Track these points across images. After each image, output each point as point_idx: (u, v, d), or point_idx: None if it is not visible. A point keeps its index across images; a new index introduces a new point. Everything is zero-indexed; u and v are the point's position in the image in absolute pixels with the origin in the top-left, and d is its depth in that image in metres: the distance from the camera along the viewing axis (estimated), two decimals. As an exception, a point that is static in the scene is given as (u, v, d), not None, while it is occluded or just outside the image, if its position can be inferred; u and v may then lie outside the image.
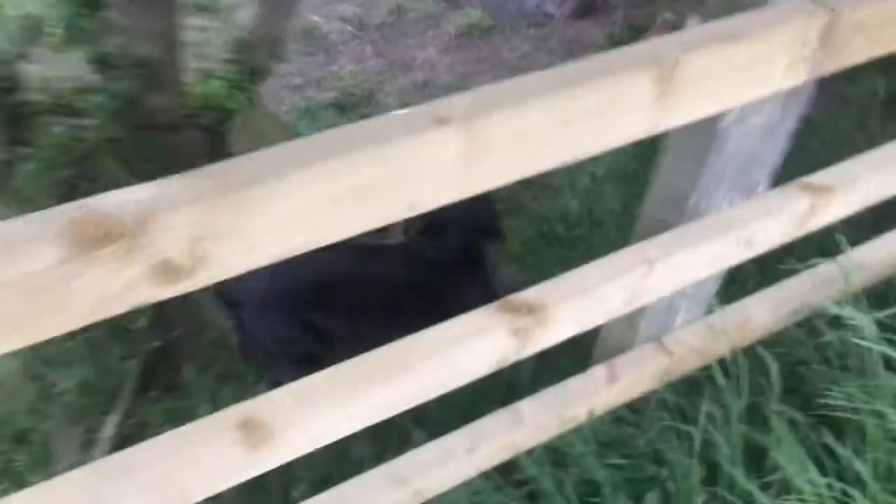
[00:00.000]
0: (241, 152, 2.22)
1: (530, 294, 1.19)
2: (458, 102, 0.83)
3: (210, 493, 1.01)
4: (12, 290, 0.65)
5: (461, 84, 3.44)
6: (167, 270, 0.73)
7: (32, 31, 3.17)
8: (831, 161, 1.40)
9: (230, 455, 0.99)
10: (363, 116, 3.33)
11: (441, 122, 0.81)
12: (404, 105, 2.59)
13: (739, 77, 1.03)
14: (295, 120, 3.13)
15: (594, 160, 2.99)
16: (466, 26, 3.74)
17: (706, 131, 1.24)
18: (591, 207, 2.67)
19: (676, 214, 1.34)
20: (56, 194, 1.92)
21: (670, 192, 1.33)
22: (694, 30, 1.00)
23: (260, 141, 2.41)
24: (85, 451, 1.69)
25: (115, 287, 0.71)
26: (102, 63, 2.02)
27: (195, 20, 3.49)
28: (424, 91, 3.44)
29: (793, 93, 1.23)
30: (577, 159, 0.94)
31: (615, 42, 3.36)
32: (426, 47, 3.68)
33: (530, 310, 1.18)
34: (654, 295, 1.31)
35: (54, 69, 2.90)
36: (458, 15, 3.85)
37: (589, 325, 1.28)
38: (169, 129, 2.21)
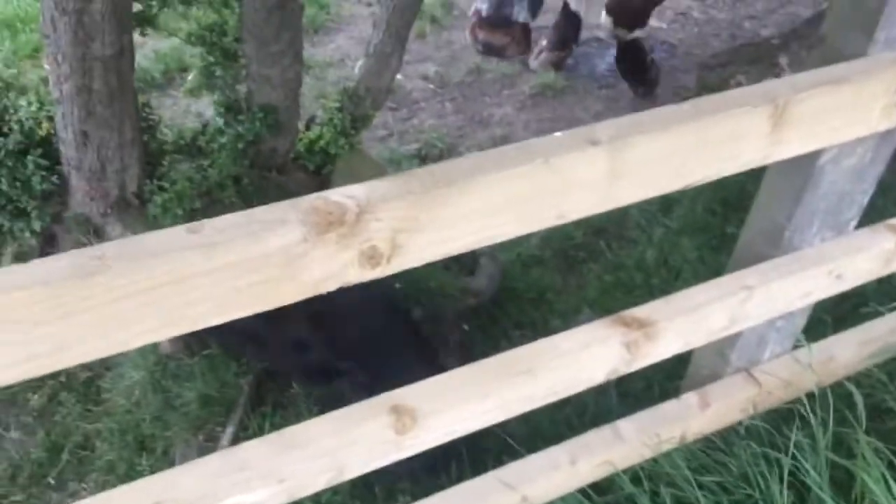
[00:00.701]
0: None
1: (641, 310, 1.31)
2: (606, 127, 0.98)
3: (362, 472, 1.13)
4: (261, 261, 0.80)
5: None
6: (372, 256, 0.87)
7: (170, 74, 3.47)
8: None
9: (381, 438, 1.12)
10: (445, 167, 3.52)
11: (593, 143, 0.96)
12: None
13: (841, 117, 1.16)
14: (383, 163, 3.33)
15: (667, 213, 3.12)
16: (541, 86, 3.93)
17: (803, 170, 1.36)
18: (668, 257, 2.78)
19: (772, 247, 1.45)
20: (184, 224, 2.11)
21: (767, 227, 1.45)
22: (803, 74, 1.13)
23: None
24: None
25: (334, 267, 0.85)
26: (229, 108, 2.23)
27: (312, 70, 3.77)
28: (502, 146, 3.61)
29: (883, 139, 1.36)
30: (703, 181, 1.08)
31: (688, 102, 3.49)
32: (503, 105, 3.87)
33: (641, 325, 1.30)
34: (752, 320, 1.42)
35: (188, 111, 3.17)
36: (533, 76, 4.05)
37: (692, 343, 1.39)
38: (280, 170, 2.41)
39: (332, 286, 0.87)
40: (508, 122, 3.78)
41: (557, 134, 1.00)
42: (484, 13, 2.90)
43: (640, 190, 1.04)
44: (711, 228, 2.85)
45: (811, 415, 1.61)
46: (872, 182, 1.44)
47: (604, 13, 3.52)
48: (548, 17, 4.05)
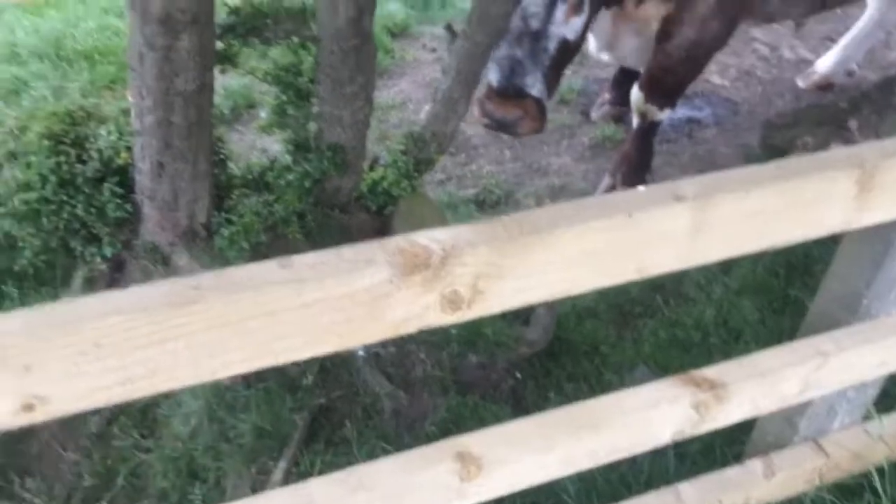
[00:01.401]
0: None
1: (712, 371, 1.28)
2: (691, 184, 0.97)
3: (422, 517, 1.12)
4: (348, 300, 0.81)
5: (595, 191, 3.60)
6: (453, 300, 0.88)
7: (238, 111, 3.57)
8: None
9: (445, 483, 1.10)
10: (503, 214, 3.52)
11: (678, 198, 0.95)
12: (540, 205, 2.74)
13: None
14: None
15: (727, 272, 3.07)
16: (601, 138, 3.94)
17: (884, 237, 1.33)
18: (727, 318, 2.72)
19: (849, 314, 1.41)
20: (249, 259, 2.15)
21: (844, 292, 1.41)
22: (892, 140, 1.11)
23: (420, 226, 2.62)
24: (255, 492, 1.83)
25: (416, 309, 0.86)
26: (299, 145, 2.28)
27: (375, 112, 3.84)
28: (560, 195, 3.62)
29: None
30: (785, 244, 1.06)
31: (753, 162, 3.45)
32: (562, 155, 3.88)
33: (711, 385, 1.26)
34: (825, 388, 1.37)
35: (254, 147, 3.25)
36: (593, 127, 4.05)
37: (762, 408, 1.35)
38: (343, 209, 2.44)
39: (412, 328, 0.88)
40: (567, 172, 3.79)
41: (641, 188, 0.99)
42: (495, 84, 2.53)
43: (722, 248, 1.02)
44: (773, 290, 2.79)
45: (881, 490, 1.54)
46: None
47: (635, 87, 3.32)
48: (610, 69, 4.08)
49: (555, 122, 4.10)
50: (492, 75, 2.55)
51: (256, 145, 3.35)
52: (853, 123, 2.88)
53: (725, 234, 1.01)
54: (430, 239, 0.85)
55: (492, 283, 0.89)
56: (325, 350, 0.84)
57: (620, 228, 0.93)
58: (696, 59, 3.10)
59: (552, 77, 2.67)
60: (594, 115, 4.15)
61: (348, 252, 0.82)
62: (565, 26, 2.56)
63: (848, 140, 2.88)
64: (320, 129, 2.25)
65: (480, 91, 2.61)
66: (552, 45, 2.56)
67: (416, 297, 0.85)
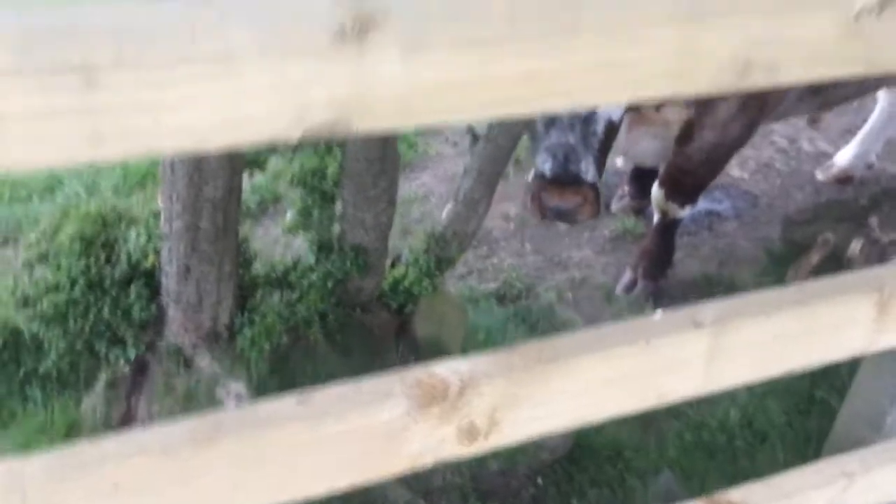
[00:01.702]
0: (425, 334, 2.44)
1: (735, 494, 1.26)
2: (710, 309, 0.98)
3: None
4: (366, 433, 0.81)
5: (616, 285, 3.60)
6: (470, 431, 0.88)
7: (265, 205, 3.65)
8: None
9: None
10: (523, 308, 3.56)
11: (696, 325, 0.96)
12: (560, 299, 2.74)
13: (950, 306, 1.13)
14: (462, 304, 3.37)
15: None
16: (621, 230, 3.96)
17: (907, 355, 1.32)
18: (752, 420, 2.67)
19: (873, 431, 1.38)
20: (270, 360, 2.17)
21: (868, 410, 1.39)
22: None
23: (441, 324, 2.63)
24: None
25: (432, 442, 0.86)
26: (322, 246, 2.32)
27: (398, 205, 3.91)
28: (581, 289, 3.62)
29: None
30: (806, 367, 1.05)
31: (775, 258, 3.46)
32: (582, 248, 3.90)
33: (736, 508, 1.24)
34: (854, 509, 1.34)
35: (278, 241, 3.31)
36: (613, 220, 4.08)
37: (790, 531, 1.31)
38: (364, 308, 2.46)
39: (428, 461, 0.87)
40: (587, 265, 3.80)
41: (658, 313, 1.00)
42: (549, 173, 2.42)
43: (742, 373, 1.02)
44: (799, 392, 2.74)
45: None
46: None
47: (655, 185, 3.33)
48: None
49: (575, 216, 4.16)
50: (544, 164, 2.47)
51: (281, 240, 3.41)
52: (874, 220, 2.88)
53: (745, 360, 1.01)
54: (450, 370, 0.85)
55: (509, 413, 0.89)
56: (341, 485, 0.84)
57: (639, 355, 0.94)
58: (717, 161, 3.13)
59: (601, 160, 2.62)
60: (614, 207, 4.19)
61: (367, 385, 0.83)
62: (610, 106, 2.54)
63: (869, 237, 2.87)
64: (343, 230, 2.29)
65: (532, 185, 2.55)
66: (600, 128, 2.53)
67: (433, 430, 0.85)
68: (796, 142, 4.79)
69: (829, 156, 4.50)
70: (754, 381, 1.03)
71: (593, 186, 2.57)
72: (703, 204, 4.34)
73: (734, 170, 4.61)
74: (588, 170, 2.51)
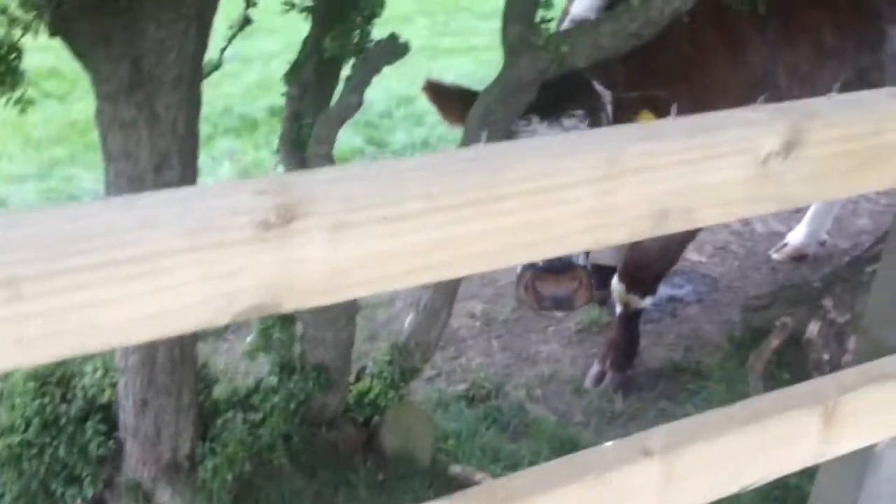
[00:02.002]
0: (392, 446, 2.41)
1: None
2: (659, 435, 0.99)
3: None
4: None
5: (585, 378, 3.60)
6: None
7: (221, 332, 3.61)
8: None
9: None
10: (493, 408, 3.53)
11: (646, 453, 0.96)
12: (530, 397, 2.73)
13: (892, 411, 1.15)
14: (429, 411, 3.33)
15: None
16: (587, 322, 3.98)
17: (861, 456, 1.33)
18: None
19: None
20: (233, 489, 2.11)
21: (836, 496, 1.39)
22: (850, 371, 1.14)
23: (409, 434, 2.60)
24: None
25: None
26: (283, 367, 2.31)
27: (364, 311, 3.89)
28: (550, 384, 3.61)
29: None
30: (760, 483, 1.06)
31: (736, 343, 3.50)
32: (549, 342, 3.91)
33: None
34: None
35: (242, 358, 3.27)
36: (578, 312, 4.10)
37: None
38: (329, 425, 2.43)
39: None
40: (556, 359, 3.80)
41: (609, 444, 1.01)
42: (541, 262, 2.36)
43: (695, 496, 1.02)
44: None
45: None
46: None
47: (615, 279, 3.39)
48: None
49: (540, 309, 4.19)
50: None
51: (245, 358, 3.38)
52: (828, 302, 2.94)
53: (697, 483, 1.01)
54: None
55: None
56: None
57: (592, 489, 0.94)
58: (672, 253, 3.22)
59: None
60: (578, 300, 4.23)
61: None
62: None
63: (825, 318, 2.93)
64: (304, 350, 2.28)
65: (524, 277, 2.52)
66: None
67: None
68: (750, 223, 4.91)
69: (782, 235, 4.62)
70: (707, 501, 1.03)
71: (585, 269, 2.57)
72: (664, 290, 4.41)
73: (692, 254, 4.71)
74: (578, 254, 2.48)
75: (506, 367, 3.75)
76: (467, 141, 2.10)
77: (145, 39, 1.40)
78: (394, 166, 0.66)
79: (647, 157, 0.77)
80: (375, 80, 1.94)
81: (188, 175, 1.65)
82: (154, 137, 1.53)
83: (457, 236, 0.69)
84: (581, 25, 1.85)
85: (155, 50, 1.41)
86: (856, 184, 0.90)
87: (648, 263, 3.12)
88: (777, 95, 2.90)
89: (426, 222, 0.67)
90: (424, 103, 7.22)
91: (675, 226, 0.82)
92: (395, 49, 1.78)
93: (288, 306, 0.65)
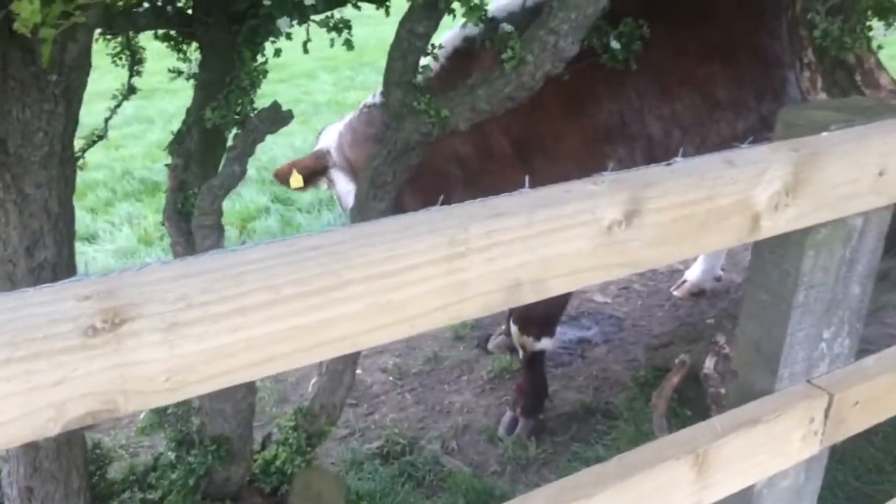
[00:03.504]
0: (301, 514, 2.31)
1: None
2: (538, 498, 1.00)
3: None
4: None
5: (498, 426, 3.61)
6: None
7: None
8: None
9: None
10: (408, 464, 3.49)
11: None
12: (445, 450, 2.72)
13: (763, 454, 1.20)
14: (343, 471, 3.27)
15: None
16: (499, 370, 4.02)
17: (742, 495, 1.38)
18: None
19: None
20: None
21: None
22: (722, 417, 1.19)
23: (319, 500, 2.54)
24: None
25: None
26: (181, 442, 2.23)
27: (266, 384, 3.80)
28: (465, 435, 3.60)
29: (815, 458, 1.39)
30: (635, 542, 1.08)
31: (641, 383, 3.59)
32: (462, 392, 3.92)
33: None
34: None
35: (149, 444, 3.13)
36: (490, 359, 4.15)
37: None
38: (234, 497, 2.35)
39: None
40: (469, 409, 3.81)
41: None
42: None
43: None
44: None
45: None
46: (812, 499, 1.45)
47: (511, 321, 3.50)
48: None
49: (452, 359, 4.19)
50: None
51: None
52: (721, 337, 3.05)
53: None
54: None
55: None
56: None
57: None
58: (558, 296, 3.30)
59: None
60: (491, 345, 4.27)
61: None
62: None
63: (720, 353, 3.03)
64: (203, 423, 2.22)
65: None
66: None
67: None
68: (651, 261, 5.08)
69: (681, 273, 4.80)
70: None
71: None
72: (573, 332, 4.51)
73: (597, 296, 4.83)
74: None
75: (420, 420, 3.73)
76: (359, 205, 2.12)
77: (9, 121, 1.36)
78: (232, 259, 0.66)
79: (492, 234, 0.79)
80: (280, 137, 1.95)
81: (63, 254, 1.60)
82: (24, 218, 1.49)
83: (303, 325, 0.70)
84: (459, 90, 1.90)
85: (20, 131, 1.38)
86: (696, 245, 0.95)
87: (535, 305, 3.19)
88: (648, 146, 3.03)
89: (269, 315, 0.67)
90: (331, 159, 7.09)
91: (529, 297, 0.84)
92: (277, 117, 1.78)
93: (126, 410, 0.64)
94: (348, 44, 1.89)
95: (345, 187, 3.45)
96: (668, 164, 0.94)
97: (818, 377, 1.25)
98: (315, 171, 3.44)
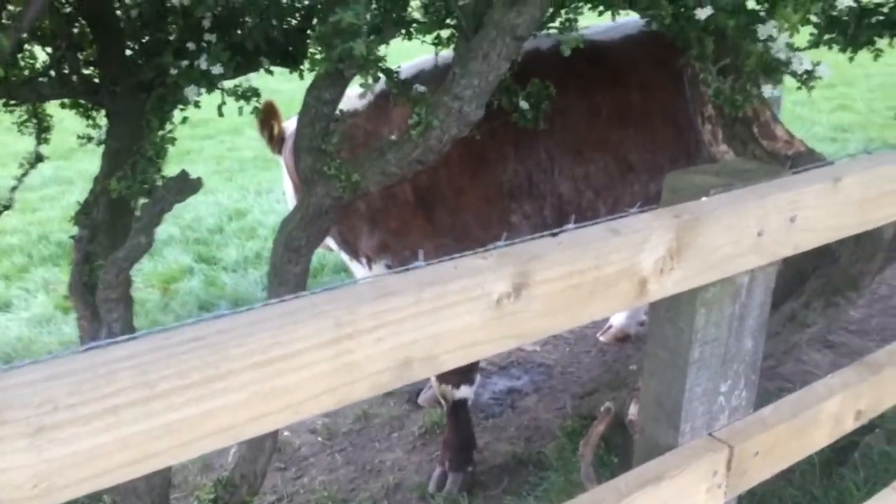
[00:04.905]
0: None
1: None
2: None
3: None
4: None
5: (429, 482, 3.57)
6: None
7: None
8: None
9: None
10: (339, 529, 3.41)
11: None
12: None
13: (668, 510, 1.22)
14: (269, 542, 3.18)
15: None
16: (430, 424, 3.99)
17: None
18: None
19: None
20: None
21: None
22: (628, 476, 1.21)
23: (241, 576, 2.45)
24: None
25: None
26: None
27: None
28: (396, 494, 3.55)
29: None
30: None
31: (569, 432, 3.61)
32: (393, 449, 3.87)
33: None
34: None
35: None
36: (421, 414, 4.12)
37: None
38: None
39: None
40: (400, 467, 3.76)
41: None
42: None
43: None
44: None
45: None
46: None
47: None
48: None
49: (382, 416, 4.14)
50: None
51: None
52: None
53: None
54: None
55: None
56: None
57: None
58: None
59: None
60: (421, 399, 4.24)
61: None
62: None
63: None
64: (115, 500, 2.13)
65: None
66: None
67: None
68: (578, 308, 5.17)
69: (607, 318, 4.89)
70: None
71: None
72: (503, 382, 4.52)
73: (527, 345, 4.88)
74: None
75: (350, 481, 3.66)
76: (274, 270, 2.10)
77: None
78: (104, 356, 0.65)
79: (380, 315, 0.80)
80: (206, 195, 1.93)
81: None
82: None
83: (183, 419, 0.68)
84: (370, 154, 1.93)
85: None
86: (585, 313, 0.98)
87: None
88: (559, 203, 3.12)
89: (144, 411, 0.66)
90: (257, 216, 7.16)
91: (420, 373, 0.85)
92: (185, 186, 1.77)
93: (-7, 522, 0.61)
94: (256, 112, 1.90)
95: (289, 186, 3.44)
96: (555, 235, 0.98)
97: (719, 430, 1.29)
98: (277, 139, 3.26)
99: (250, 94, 1.89)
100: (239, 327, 0.72)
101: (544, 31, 2.42)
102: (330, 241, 3.45)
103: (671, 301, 1.19)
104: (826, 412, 1.36)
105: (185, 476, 3.61)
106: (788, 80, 2.34)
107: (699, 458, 1.24)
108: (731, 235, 1.12)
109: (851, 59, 2.28)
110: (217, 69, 1.85)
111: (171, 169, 2.04)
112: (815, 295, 3.04)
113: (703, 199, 1.12)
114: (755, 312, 1.28)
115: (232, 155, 8.42)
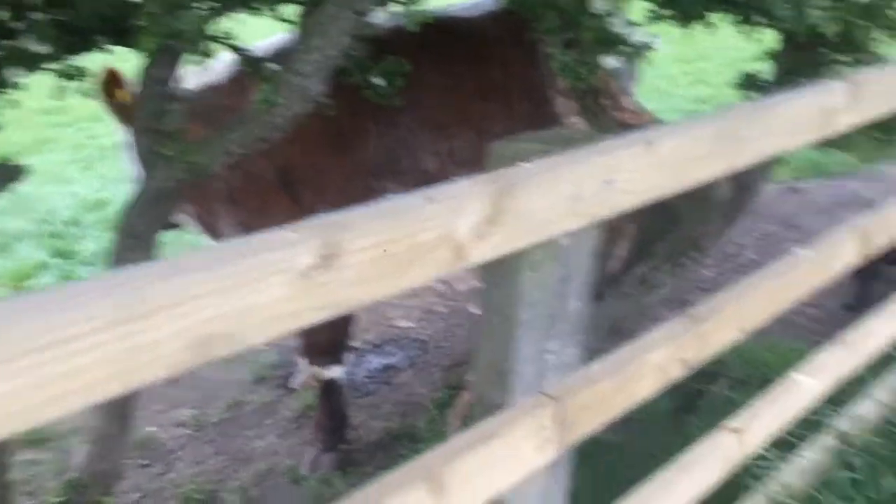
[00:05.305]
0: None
1: None
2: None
3: None
4: None
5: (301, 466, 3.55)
6: None
7: None
8: None
9: None
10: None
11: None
12: (246, 498, 2.64)
13: (500, 468, 1.26)
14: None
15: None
16: (304, 408, 3.96)
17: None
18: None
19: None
20: None
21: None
22: (459, 437, 1.23)
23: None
24: None
25: None
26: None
27: (26, 455, 3.47)
28: (268, 479, 3.51)
29: (553, 470, 1.46)
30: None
31: (440, 404, 3.67)
32: (265, 436, 3.82)
33: None
34: None
35: None
36: (294, 398, 4.08)
37: None
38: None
39: None
40: (273, 452, 3.71)
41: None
42: None
43: None
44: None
45: None
46: (563, 500, 1.54)
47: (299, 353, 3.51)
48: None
49: (254, 403, 4.06)
50: None
51: None
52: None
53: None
54: None
55: None
56: None
57: None
58: (337, 321, 3.33)
59: None
60: (293, 383, 4.19)
61: None
62: None
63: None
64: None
65: None
66: None
67: None
68: (451, 284, 5.24)
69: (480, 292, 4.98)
70: None
71: None
72: (378, 360, 4.54)
73: (402, 321, 4.91)
74: None
75: (219, 471, 3.57)
76: (116, 258, 2.01)
77: None
78: None
79: (175, 293, 0.78)
80: (61, 185, 1.79)
81: None
82: None
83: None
84: (213, 137, 1.86)
85: None
86: (404, 280, 0.99)
87: (317, 333, 3.19)
88: (425, 180, 3.15)
89: None
90: (117, 207, 6.85)
91: (222, 351, 0.83)
92: (7, 174, 1.65)
93: None
94: (83, 92, 1.80)
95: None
96: (370, 205, 0.98)
97: (547, 388, 1.34)
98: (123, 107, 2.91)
99: (74, 72, 1.79)
100: (14, 312, 0.68)
101: (390, 7, 2.41)
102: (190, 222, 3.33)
103: (498, 266, 1.22)
104: (650, 363, 1.44)
105: (41, 481, 3.41)
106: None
107: (527, 415, 1.28)
108: (548, 200, 1.15)
109: (687, 33, 2.39)
110: (45, 49, 1.73)
111: (28, 159, 1.89)
112: (663, 258, 3.22)
113: (521, 164, 1.15)
114: (579, 274, 1.34)
115: (92, 143, 7.95)
